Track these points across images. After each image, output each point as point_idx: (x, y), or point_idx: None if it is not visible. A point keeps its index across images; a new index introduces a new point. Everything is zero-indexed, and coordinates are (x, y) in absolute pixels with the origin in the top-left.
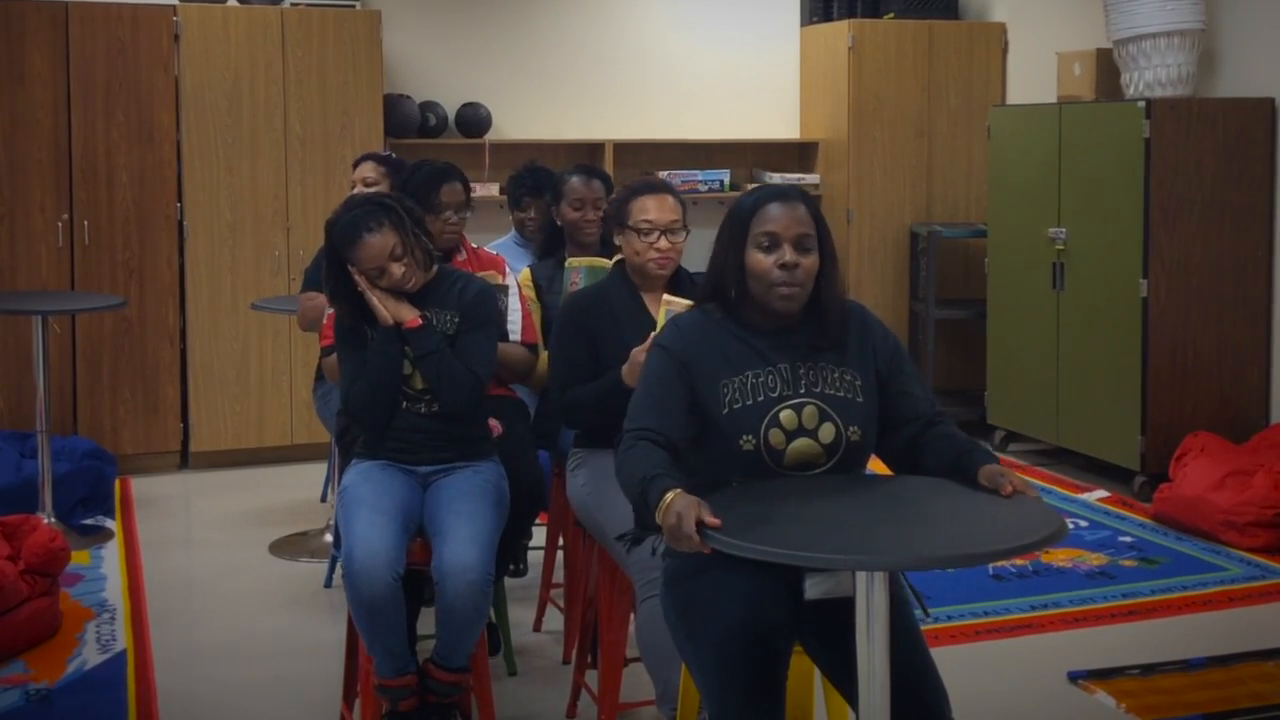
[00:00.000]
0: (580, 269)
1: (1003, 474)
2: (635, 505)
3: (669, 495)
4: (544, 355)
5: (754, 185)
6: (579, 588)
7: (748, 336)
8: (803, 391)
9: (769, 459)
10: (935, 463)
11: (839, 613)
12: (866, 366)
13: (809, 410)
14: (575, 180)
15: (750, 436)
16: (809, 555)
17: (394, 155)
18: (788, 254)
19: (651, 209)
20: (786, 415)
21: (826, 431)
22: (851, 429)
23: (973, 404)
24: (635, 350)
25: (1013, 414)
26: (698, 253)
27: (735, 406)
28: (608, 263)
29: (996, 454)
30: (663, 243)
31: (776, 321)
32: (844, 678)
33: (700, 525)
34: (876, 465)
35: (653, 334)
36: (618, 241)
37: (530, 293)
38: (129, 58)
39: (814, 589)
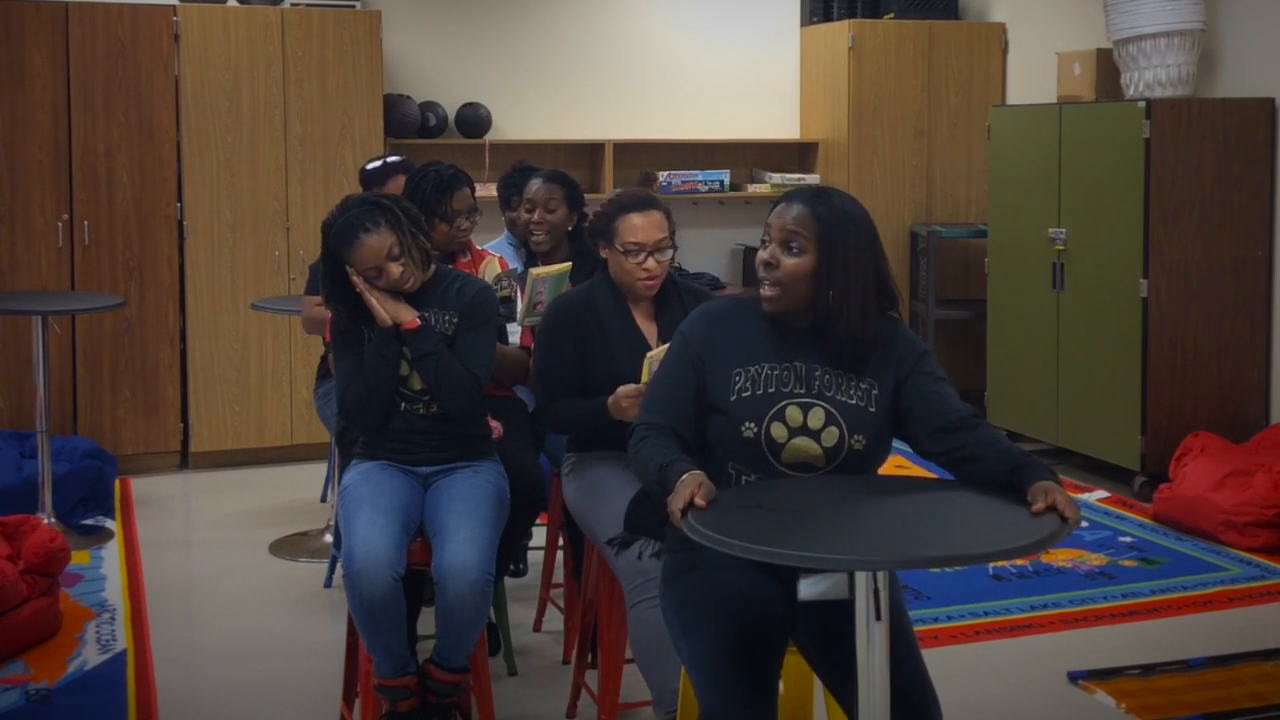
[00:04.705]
0: (546, 279)
1: (1045, 491)
2: (652, 492)
3: (686, 476)
4: None
5: (773, 186)
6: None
7: (771, 331)
8: (814, 392)
9: (768, 451)
10: (986, 471)
11: (834, 614)
12: (885, 376)
13: (816, 411)
14: (531, 181)
15: (752, 424)
16: (806, 555)
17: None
18: (766, 252)
19: (639, 230)
20: (792, 411)
21: (830, 435)
22: (856, 437)
23: (973, 404)
24: (621, 389)
25: (1013, 414)
26: (699, 253)
27: (744, 394)
28: (567, 267)
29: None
30: (650, 263)
31: (801, 319)
32: (838, 680)
33: (689, 507)
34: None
35: (643, 380)
36: (604, 255)
37: None
38: (129, 58)
39: (808, 590)
